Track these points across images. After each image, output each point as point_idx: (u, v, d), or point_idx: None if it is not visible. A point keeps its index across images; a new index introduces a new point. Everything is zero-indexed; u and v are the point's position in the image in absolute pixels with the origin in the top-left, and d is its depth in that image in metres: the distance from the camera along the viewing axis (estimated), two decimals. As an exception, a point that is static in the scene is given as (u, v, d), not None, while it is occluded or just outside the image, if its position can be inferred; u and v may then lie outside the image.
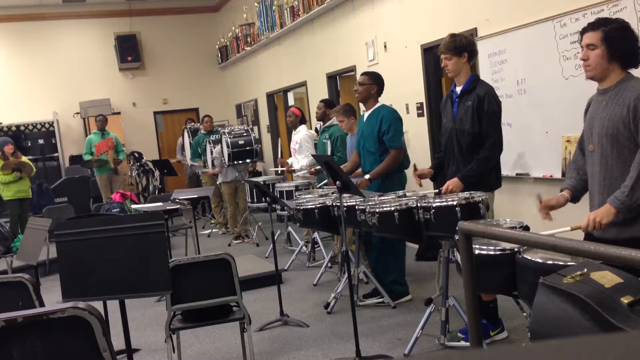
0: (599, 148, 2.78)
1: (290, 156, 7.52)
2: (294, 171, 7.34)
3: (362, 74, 5.16)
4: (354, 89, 5.12)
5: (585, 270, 1.87)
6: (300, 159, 7.08)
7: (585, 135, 2.92)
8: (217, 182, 8.67)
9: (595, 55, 2.75)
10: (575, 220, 3.08)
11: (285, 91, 10.75)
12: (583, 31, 2.82)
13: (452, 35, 3.97)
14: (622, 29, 2.72)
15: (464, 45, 3.89)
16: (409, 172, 5.14)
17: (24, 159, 8.64)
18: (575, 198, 3.02)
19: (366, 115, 5.04)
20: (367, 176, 4.79)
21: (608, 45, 2.71)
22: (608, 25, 2.74)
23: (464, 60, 3.91)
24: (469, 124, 3.87)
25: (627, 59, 2.73)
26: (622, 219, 2.70)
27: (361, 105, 5.48)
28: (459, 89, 3.97)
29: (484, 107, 3.83)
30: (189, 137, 10.00)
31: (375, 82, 4.99)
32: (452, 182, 3.88)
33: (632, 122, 2.64)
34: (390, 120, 4.85)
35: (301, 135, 7.11)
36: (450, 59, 3.92)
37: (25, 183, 8.47)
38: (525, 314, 3.59)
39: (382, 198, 4.22)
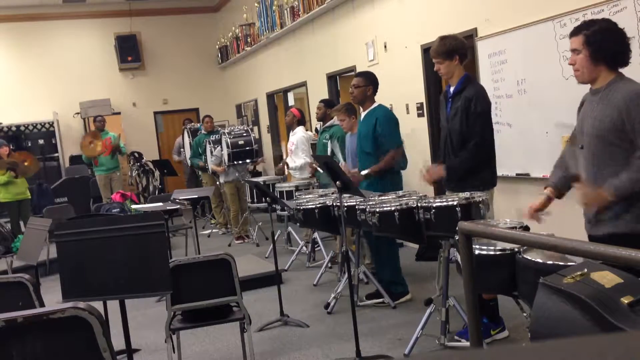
0: (589, 147, 2.80)
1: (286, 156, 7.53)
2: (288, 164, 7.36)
3: (356, 76, 5.14)
4: (350, 92, 5.11)
5: (585, 270, 1.87)
6: (296, 160, 7.10)
7: (577, 133, 2.93)
8: (218, 182, 8.67)
9: (580, 59, 2.78)
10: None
11: (285, 91, 10.75)
12: (570, 36, 2.85)
13: (442, 39, 3.95)
14: (603, 31, 2.73)
15: (454, 48, 3.89)
16: (405, 173, 5.14)
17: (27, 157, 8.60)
18: (559, 195, 3.05)
19: (363, 115, 5.05)
20: (363, 172, 4.79)
21: (590, 49, 2.73)
22: (590, 28, 2.76)
23: (455, 62, 3.92)
24: (458, 124, 3.89)
25: (612, 59, 2.74)
26: (610, 217, 2.73)
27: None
28: (452, 89, 3.98)
29: (471, 108, 3.84)
30: (189, 137, 10.00)
31: (370, 82, 4.99)
32: (436, 167, 3.99)
33: (626, 123, 2.65)
34: (385, 122, 4.85)
35: (298, 136, 7.12)
36: (442, 63, 3.93)
37: (23, 184, 8.41)
38: (525, 314, 3.59)
39: (382, 198, 4.22)
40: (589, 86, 2.89)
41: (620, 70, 2.78)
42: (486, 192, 3.86)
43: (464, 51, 3.96)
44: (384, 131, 4.83)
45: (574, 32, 2.81)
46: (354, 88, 5.00)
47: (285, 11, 9.33)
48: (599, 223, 2.78)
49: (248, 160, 8.20)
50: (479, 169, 3.91)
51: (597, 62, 2.74)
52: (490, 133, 3.94)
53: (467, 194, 3.70)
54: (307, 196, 5.33)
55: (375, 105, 5.00)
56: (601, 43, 2.71)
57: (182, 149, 10.75)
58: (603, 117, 2.72)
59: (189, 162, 9.85)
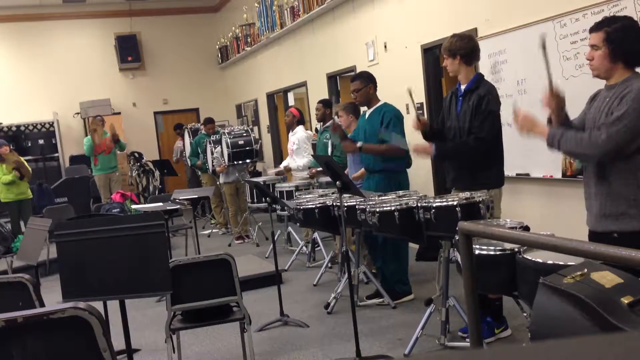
0: None
1: (287, 156, 7.53)
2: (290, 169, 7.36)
3: (353, 80, 5.09)
4: (353, 97, 5.10)
5: (586, 270, 1.87)
6: (298, 160, 7.09)
7: (587, 127, 2.90)
8: (218, 183, 8.67)
9: (598, 55, 2.76)
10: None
11: (285, 91, 10.75)
12: (590, 31, 2.83)
13: (452, 36, 4.02)
14: (625, 29, 2.72)
15: (456, 48, 3.92)
16: (410, 171, 5.13)
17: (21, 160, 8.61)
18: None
19: (368, 113, 5.03)
20: (359, 143, 4.81)
21: (610, 46, 2.71)
22: (612, 25, 2.73)
23: (457, 62, 3.94)
24: (468, 122, 3.88)
25: (631, 58, 2.73)
26: (615, 213, 2.71)
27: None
28: (463, 87, 3.99)
29: (482, 106, 3.85)
30: (189, 137, 9.99)
31: (368, 81, 4.98)
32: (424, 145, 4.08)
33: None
34: (391, 117, 4.85)
35: (299, 136, 7.12)
36: (447, 59, 4.01)
37: (24, 184, 8.44)
38: (525, 314, 3.59)
39: (383, 198, 4.22)
40: (590, 87, 2.88)
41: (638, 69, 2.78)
42: (494, 190, 3.86)
43: (466, 53, 3.93)
44: (388, 126, 4.81)
45: (596, 28, 2.78)
46: (355, 92, 4.98)
47: (285, 11, 9.34)
48: (603, 219, 2.77)
49: (248, 160, 8.20)
50: (489, 167, 3.91)
51: (615, 60, 2.73)
52: (492, 133, 3.91)
53: (467, 194, 3.70)
54: (307, 196, 5.33)
55: (381, 103, 5.00)
56: (622, 41, 2.70)
57: (183, 154, 10.68)
58: (614, 112, 2.71)
59: (189, 161, 9.84)
